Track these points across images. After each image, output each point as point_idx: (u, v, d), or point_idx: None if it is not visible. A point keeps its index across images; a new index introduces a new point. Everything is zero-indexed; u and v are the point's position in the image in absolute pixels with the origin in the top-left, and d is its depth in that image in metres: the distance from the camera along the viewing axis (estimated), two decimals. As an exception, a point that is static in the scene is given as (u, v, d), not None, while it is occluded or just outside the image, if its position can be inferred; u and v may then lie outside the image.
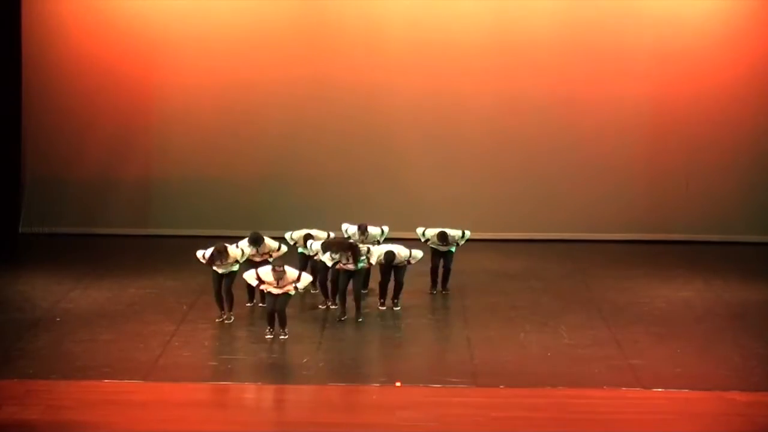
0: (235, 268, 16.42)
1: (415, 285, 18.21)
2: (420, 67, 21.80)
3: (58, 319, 16.46)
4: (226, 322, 16.29)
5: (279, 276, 15.34)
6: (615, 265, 20.19)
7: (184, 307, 17.02)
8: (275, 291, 15.45)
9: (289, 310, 15.81)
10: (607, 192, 21.98)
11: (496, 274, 19.07)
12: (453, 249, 17.69)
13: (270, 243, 16.96)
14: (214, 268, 16.26)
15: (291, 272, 15.50)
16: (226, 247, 16.13)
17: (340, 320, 16.42)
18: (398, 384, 13.94)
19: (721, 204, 22.06)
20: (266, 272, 15.46)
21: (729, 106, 21.90)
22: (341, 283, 16.60)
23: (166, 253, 20.77)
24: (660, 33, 21.73)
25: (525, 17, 21.81)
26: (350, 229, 17.72)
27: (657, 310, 17.22)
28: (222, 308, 16.36)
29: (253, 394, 13.88)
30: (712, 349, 15.40)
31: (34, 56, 21.74)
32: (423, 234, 17.74)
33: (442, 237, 17.52)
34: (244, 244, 16.75)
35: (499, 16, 21.88)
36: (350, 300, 16.60)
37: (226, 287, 16.35)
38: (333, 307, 16.93)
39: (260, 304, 16.79)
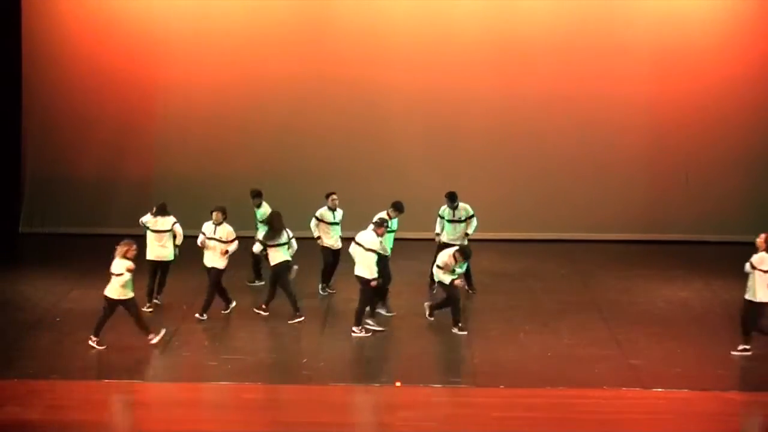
0: (171, 257, 16.83)
1: (416, 285, 18.25)
2: (421, 66, 21.81)
3: (58, 319, 16.48)
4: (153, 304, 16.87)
5: None
6: (615, 265, 20.20)
7: (184, 307, 17.03)
8: None
9: (287, 309, 15.80)
10: (607, 192, 21.98)
11: (496, 274, 19.09)
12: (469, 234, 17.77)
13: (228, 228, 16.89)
14: (148, 255, 16.77)
15: None
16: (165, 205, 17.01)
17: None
18: (398, 384, 13.96)
19: (721, 204, 22.07)
20: None
21: (729, 106, 21.90)
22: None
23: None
24: (660, 31, 21.74)
25: (526, 17, 21.84)
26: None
27: (656, 310, 17.24)
28: (151, 300, 16.85)
29: (253, 394, 13.89)
30: (711, 349, 15.41)
31: (34, 56, 21.75)
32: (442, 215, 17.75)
33: (451, 197, 17.56)
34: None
35: (501, 14, 21.90)
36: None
37: (161, 276, 16.88)
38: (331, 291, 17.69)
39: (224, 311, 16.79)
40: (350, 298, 17.53)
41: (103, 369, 14.30)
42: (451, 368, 14.58)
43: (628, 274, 19.50)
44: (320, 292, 17.77)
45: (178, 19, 21.95)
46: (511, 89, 21.95)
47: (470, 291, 17.87)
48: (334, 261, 17.81)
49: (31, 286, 18.15)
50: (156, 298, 17.07)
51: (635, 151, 22.13)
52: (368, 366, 14.65)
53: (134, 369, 14.34)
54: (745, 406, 13.46)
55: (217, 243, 16.50)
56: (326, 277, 17.84)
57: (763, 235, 15.30)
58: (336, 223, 17.66)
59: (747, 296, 15.10)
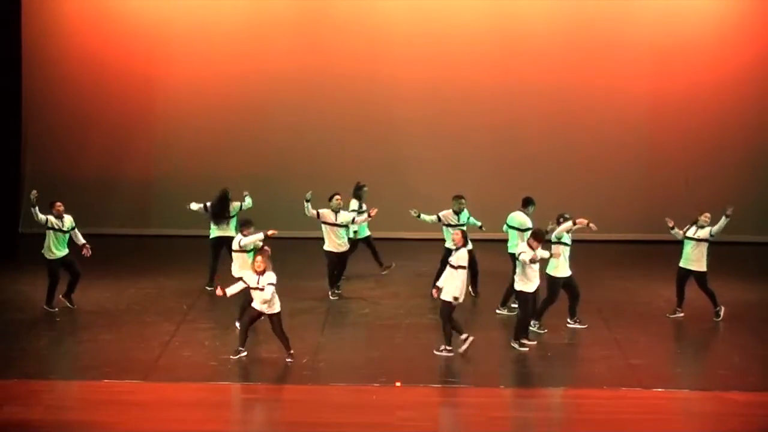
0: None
1: (415, 285, 18.24)
2: (425, 61, 21.86)
3: (58, 319, 16.48)
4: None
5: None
6: (615, 265, 20.20)
7: (184, 307, 17.04)
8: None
9: (288, 309, 15.82)
10: (607, 192, 21.97)
11: (496, 274, 19.03)
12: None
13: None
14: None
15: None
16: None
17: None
18: (398, 384, 13.95)
19: (721, 204, 21.99)
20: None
21: (729, 106, 21.95)
22: None
23: (166, 253, 20.77)
24: (663, 29, 21.78)
25: (529, 13, 21.88)
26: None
27: (657, 310, 17.23)
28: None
29: (253, 394, 13.89)
30: (711, 349, 15.43)
31: (34, 56, 21.74)
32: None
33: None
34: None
35: (504, 10, 21.94)
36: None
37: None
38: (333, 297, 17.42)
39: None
40: (350, 298, 17.56)
41: (103, 369, 14.28)
42: (451, 368, 14.56)
43: (628, 274, 19.51)
44: (330, 297, 17.58)
45: (178, 18, 21.97)
46: (511, 89, 21.99)
47: (473, 294, 17.77)
48: (341, 264, 17.64)
49: (31, 286, 18.13)
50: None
51: (635, 151, 22.15)
52: (368, 366, 14.63)
53: (134, 369, 14.32)
54: (745, 406, 13.45)
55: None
56: (332, 281, 17.63)
57: (457, 236, 15.05)
58: (340, 225, 17.46)
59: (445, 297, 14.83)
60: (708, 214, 16.91)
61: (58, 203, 16.84)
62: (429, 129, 22.06)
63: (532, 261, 14.93)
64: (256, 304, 14.54)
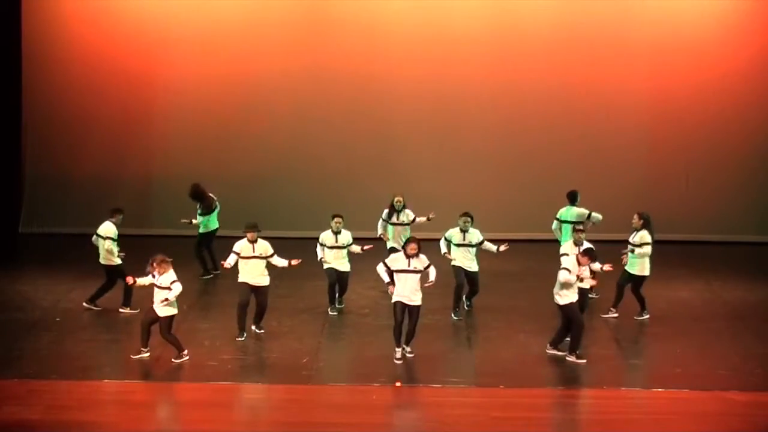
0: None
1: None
2: (424, 62, 21.87)
3: (58, 319, 16.48)
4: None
5: None
6: (615, 266, 20.11)
7: (185, 307, 17.00)
8: None
9: (288, 309, 15.81)
10: (607, 192, 21.93)
11: (496, 274, 19.07)
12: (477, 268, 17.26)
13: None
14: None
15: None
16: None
17: None
18: (398, 384, 13.95)
19: (721, 204, 22.07)
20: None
21: (729, 105, 21.95)
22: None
23: (166, 253, 20.67)
24: (664, 28, 21.80)
25: (528, 13, 21.89)
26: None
27: (657, 310, 17.21)
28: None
29: (253, 394, 13.89)
30: (711, 349, 15.42)
31: (34, 56, 21.77)
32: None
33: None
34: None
35: (504, 10, 21.95)
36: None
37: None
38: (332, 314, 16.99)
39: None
40: (351, 298, 17.54)
41: (103, 369, 14.29)
42: (451, 368, 14.57)
43: (628, 274, 19.46)
44: (329, 312, 17.00)
45: (178, 18, 21.98)
46: (510, 88, 22.01)
47: (467, 306, 17.52)
48: (341, 283, 17.07)
49: (31, 286, 18.15)
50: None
51: (635, 151, 22.15)
52: (368, 366, 14.64)
53: (134, 369, 14.33)
54: (746, 406, 13.45)
55: (259, 260, 15.80)
56: (332, 298, 17.05)
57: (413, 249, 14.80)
58: (339, 247, 16.89)
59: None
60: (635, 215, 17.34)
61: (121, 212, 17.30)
62: (429, 128, 22.07)
63: (568, 284, 14.64)
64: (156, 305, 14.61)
